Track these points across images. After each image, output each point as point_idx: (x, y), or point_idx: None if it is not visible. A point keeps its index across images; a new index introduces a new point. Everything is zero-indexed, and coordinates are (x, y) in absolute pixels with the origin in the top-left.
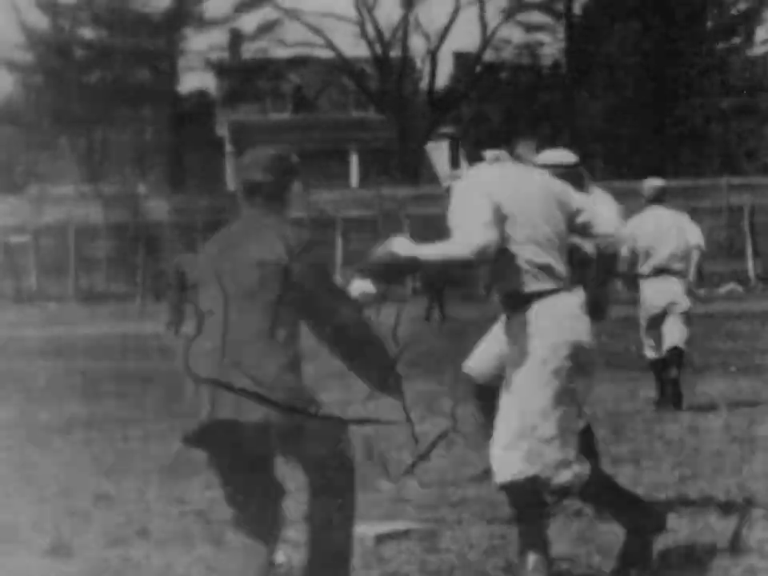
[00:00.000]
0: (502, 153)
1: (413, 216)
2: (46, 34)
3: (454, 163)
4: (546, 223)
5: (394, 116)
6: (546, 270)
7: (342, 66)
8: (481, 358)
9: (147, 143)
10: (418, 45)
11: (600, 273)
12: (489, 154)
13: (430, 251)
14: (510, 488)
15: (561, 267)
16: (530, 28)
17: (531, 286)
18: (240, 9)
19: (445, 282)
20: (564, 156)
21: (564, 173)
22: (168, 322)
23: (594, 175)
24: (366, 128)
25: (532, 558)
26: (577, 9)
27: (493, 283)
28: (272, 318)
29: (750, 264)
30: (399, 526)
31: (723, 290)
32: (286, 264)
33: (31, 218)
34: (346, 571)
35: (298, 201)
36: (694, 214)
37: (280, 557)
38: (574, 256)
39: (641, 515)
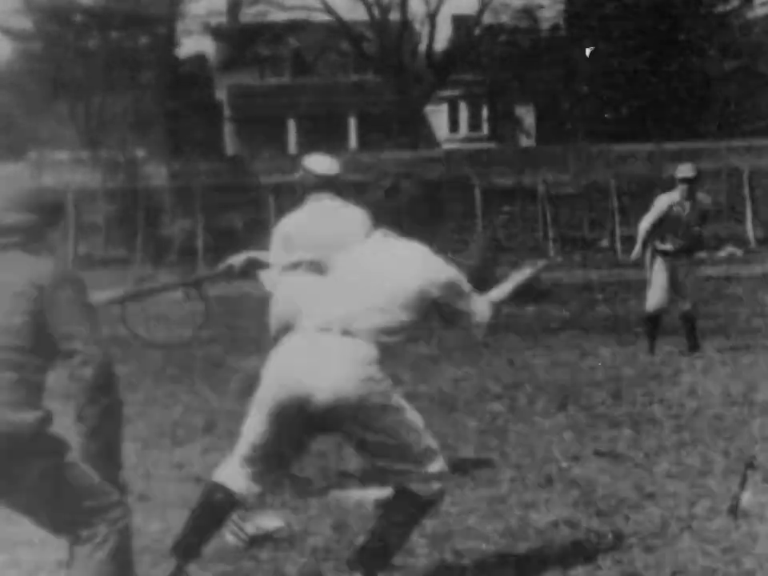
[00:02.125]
0: None
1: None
2: (44, 0)
3: (453, 127)
4: None
5: (392, 79)
6: None
7: (341, 29)
8: None
9: (145, 108)
10: (416, 8)
11: None
12: None
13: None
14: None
15: None
16: None
17: None
18: None
19: None
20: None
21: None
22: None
23: (594, 139)
24: (365, 91)
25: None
26: None
27: None
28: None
29: (750, 227)
30: None
31: (723, 253)
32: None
33: (30, 183)
34: None
35: (59, 243)
36: None
37: (279, 522)
38: None
39: None
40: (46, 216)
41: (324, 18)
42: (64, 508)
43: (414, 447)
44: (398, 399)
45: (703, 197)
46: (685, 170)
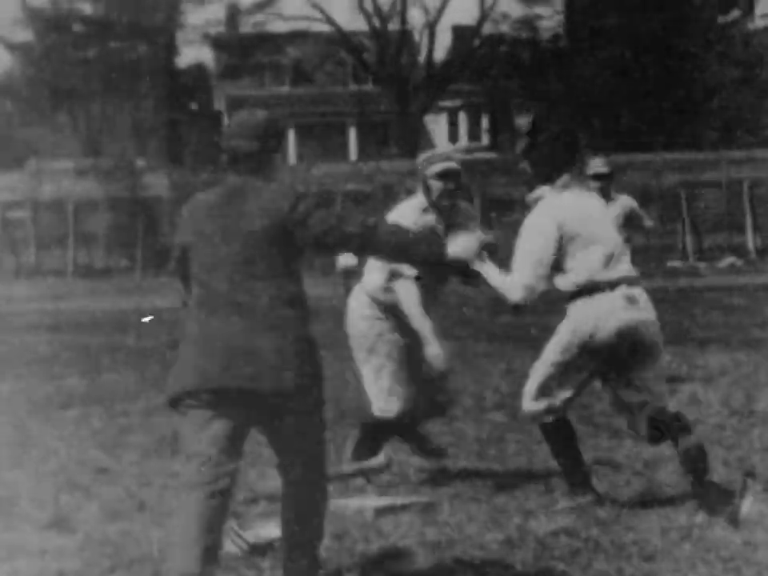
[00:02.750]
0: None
1: (411, 190)
2: (45, 10)
3: (453, 137)
4: None
5: (392, 89)
6: None
7: (340, 39)
8: None
9: (145, 118)
10: (416, 18)
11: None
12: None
13: (491, 276)
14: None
15: None
16: (528, 1)
17: None
18: None
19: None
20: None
21: None
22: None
23: (594, 150)
24: (365, 101)
25: None
26: None
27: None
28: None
29: (750, 238)
30: (398, 499)
31: (723, 263)
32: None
33: (30, 193)
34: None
35: (282, 167)
36: (694, 188)
37: (279, 531)
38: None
39: None
40: (268, 144)
41: (324, 28)
42: None
43: None
44: None
45: (626, 198)
46: (596, 166)
